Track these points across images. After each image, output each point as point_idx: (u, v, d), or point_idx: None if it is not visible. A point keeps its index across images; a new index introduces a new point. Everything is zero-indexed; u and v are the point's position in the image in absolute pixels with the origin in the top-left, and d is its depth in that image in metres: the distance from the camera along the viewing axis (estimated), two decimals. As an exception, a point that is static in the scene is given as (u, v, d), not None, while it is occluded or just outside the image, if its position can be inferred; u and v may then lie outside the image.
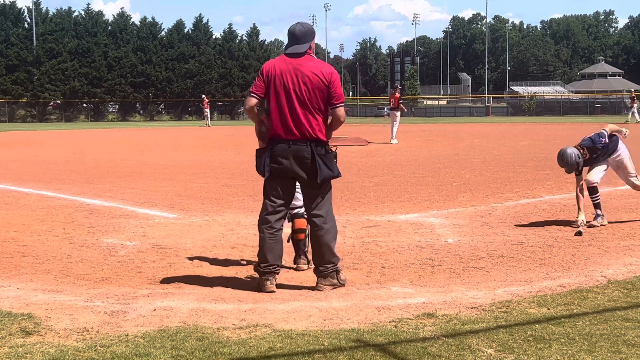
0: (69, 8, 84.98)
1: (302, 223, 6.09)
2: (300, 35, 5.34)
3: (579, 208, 7.87)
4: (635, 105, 43.37)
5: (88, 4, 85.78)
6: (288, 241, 6.06)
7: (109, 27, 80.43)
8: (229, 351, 3.90)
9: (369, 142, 24.73)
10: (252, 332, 4.25)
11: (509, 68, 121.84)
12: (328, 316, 4.60)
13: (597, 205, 7.96)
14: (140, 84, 72.90)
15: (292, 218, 6.11)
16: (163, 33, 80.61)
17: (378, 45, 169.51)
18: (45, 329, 4.32)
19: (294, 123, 5.25)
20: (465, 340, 4.02)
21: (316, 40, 5.64)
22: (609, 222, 7.94)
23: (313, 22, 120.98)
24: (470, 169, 15.04)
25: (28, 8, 77.02)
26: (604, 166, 8.17)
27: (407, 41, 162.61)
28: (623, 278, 5.49)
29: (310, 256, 5.77)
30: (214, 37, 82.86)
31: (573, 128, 37.00)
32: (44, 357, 3.82)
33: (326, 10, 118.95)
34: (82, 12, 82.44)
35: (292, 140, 5.26)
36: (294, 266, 6.12)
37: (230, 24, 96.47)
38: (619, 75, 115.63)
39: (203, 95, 54.99)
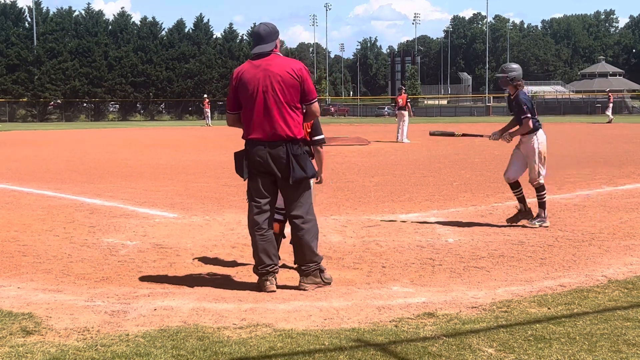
0: (70, 8, 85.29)
1: (275, 227, 6.14)
2: (265, 35, 5.39)
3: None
4: (610, 105, 43.50)
5: (88, 3, 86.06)
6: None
7: (110, 27, 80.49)
8: (230, 351, 3.90)
9: (369, 142, 24.74)
10: (253, 331, 4.25)
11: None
12: (328, 316, 4.60)
13: (541, 205, 7.94)
14: (140, 83, 72.91)
15: None
16: (163, 33, 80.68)
17: (378, 45, 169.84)
18: (45, 329, 4.32)
19: (270, 125, 5.29)
20: (466, 339, 4.02)
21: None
22: (611, 224, 7.93)
23: (313, 22, 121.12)
24: (471, 168, 15.04)
25: (29, 8, 77.13)
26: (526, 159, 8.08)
27: (407, 41, 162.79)
28: (623, 278, 5.49)
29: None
30: (214, 36, 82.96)
31: (573, 128, 36.99)
32: (44, 356, 3.82)
33: (327, 10, 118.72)
34: (83, 12, 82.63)
35: (268, 141, 5.31)
36: (295, 266, 6.12)
37: (230, 24, 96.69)
38: (620, 75, 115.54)
39: (205, 95, 55.06)
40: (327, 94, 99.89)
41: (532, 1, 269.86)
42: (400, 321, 4.43)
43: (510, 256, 6.41)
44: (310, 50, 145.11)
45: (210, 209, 9.50)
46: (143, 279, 5.78)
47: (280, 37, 5.68)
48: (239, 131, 5.54)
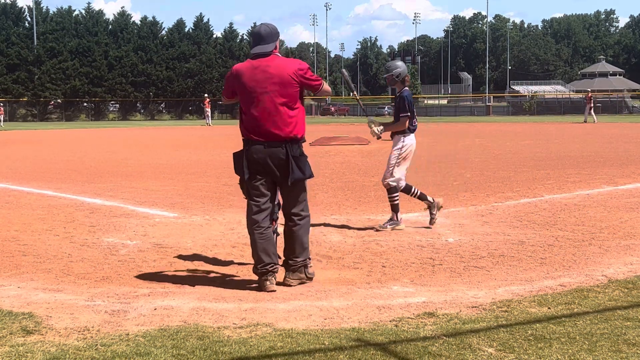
0: (70, 7, 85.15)
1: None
2: (266, 35, 5.43)
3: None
4: (590, 105, 43.18)
5: (89, 3, 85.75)
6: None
7: (110, 27, 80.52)
8: (230, 350, 3.90)
9: (369, 142, 24.73)
10: (253, 331, 4.25)
11: (510, 67, 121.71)
12: (329, 315, 4.60)
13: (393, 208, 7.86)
14: (140, 83, 72.94)
15: None
16: (164, 32, 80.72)
17: (379, 45, 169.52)
18: (45, 328, 4.32)
19: (269, 125, 5.34)
20: (466, 339, 4.02)
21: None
22: (611, 223, 7.93)
23: (314, 22, 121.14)
24: (471, 168, 15.04)
25: (29, 7, 77.23)
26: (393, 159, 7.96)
27: (407, 40, 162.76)
28: (624, 277, 5.49)
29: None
30: (214, 36, 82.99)
31: (574, 127, 36.99)
32: (44, 356, 3.82)
33: (327, 10, 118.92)
34: (83, 11, 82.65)
35: (267, 141, 5.35)
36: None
37: (231, 23, 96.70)
38: (620, 75, 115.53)
39: (205, 95, 55.08)
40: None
41: (532, 1, 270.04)
42: (401, 321, 4.43)
43: (510, 256, 6.41)
44: (311, 49, 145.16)
45: (211, 209, 9.50)
46: (143, 278, 5.78)
47: (281, 36, 5.73)
48: (240, 131, 5.57)
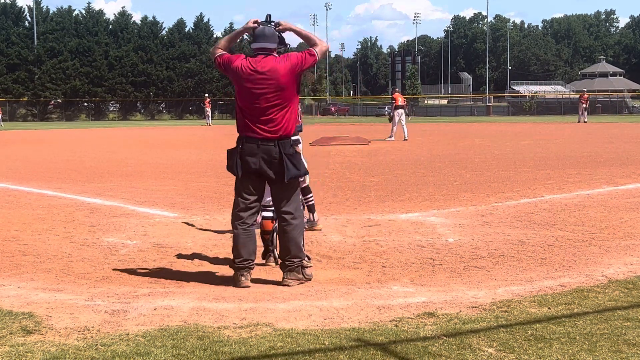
0: (70, 7, 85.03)
1: (268, 225, 6.26)
2: (270, 35, 5.56)
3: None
4: (584, 105, 43.02)
5: (89, 2, 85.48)
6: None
7: (110, 26, 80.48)
8: (230, 350, 3.90)
9: (369, 141, 24.75)
10: (253, 331, 4.25)
11: (510, 67, 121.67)
12: (329, 315, 4.60)
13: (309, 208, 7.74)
14: (141, 83, 72.91)
15: (261, 219, 6.21)
16: (164, 32, 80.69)
17: (379, 45, 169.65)
18: (45, 328, 4.32)
19: (262, 123, 5.39)
20: (466, 339, 4.02)
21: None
22: (610, 223, 7.93)
23: (314, 22, 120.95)
24: (471, 168, 15.04)
25: (29, 7, 77.20)
26: None
27: (408, 40, 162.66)
28: (624, 277, 5.48)
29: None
30: (215, 36, 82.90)
31: (574, 127, 36.99)
32: (44, 356, 3.82)
33: (327, 10, 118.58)
34: (83, 11, 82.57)
35: (260, 139, 5.39)
36: (263, 261, 6.23)
37: (231, 23, 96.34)
38: (620, 75, 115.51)
39: (205, 94, 55.09)
40: (328, 93, 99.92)
41: (532, 1, 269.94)
42: (401, 321, 4.43)
43: (510, 256, 6.41)
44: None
45: (211, 209, 9.51)
46: (143, 278, 5.78)
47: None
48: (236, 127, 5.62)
